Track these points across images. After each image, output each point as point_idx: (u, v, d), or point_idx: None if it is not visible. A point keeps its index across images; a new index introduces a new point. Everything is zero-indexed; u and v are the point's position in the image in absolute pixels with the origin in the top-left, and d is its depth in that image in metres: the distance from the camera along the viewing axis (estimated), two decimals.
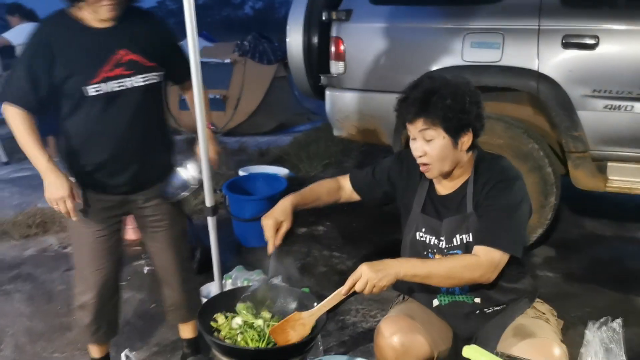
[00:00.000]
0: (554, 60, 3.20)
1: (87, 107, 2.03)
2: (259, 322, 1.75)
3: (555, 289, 3.19)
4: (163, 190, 2.23)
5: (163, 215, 2.28)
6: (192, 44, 2.02)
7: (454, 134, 1.74)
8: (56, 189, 2.04)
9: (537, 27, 3.23)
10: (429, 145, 1.76)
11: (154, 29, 2.11)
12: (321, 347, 2.59)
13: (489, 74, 3.32)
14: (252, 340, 1.69)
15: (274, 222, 1.83)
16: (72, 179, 2.12)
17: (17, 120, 2.01)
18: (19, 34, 6.14)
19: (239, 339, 1.70)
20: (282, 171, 4.23)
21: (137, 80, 2.06)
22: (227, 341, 1.70)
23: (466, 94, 1.74)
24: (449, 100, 1.70)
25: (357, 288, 1.63)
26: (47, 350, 2.78)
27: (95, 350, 2.42)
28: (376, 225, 3.93)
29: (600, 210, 4.21)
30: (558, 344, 1.65)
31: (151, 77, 2.09)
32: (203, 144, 2.12)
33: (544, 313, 1.84)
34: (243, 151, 6.30)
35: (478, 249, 1.72)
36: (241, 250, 3.77)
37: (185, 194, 2.26)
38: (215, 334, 1.73)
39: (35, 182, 5.34)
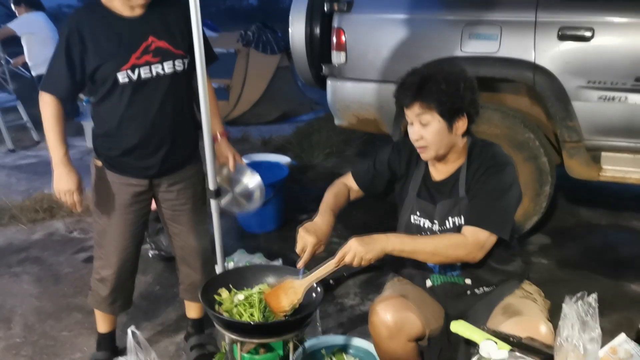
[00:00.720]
0: (550, 52, 3.26)
1: (118, 93, 2.11)
2: (255, 290, 1.85)
3: (548, 275, 3.28)
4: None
5: (187, 199, 2.36)
6: (197, 35, 2.09)
7: (449, 117, 1.82)
8: (65, 182, 2.16)
9: (534, 20, 3.29)
10: (425, 129, 1.84)
11: (182, 17, 2.15)
12: (320, 328, 2.69)
13: (486, 65, 3.39)
14: (245, 311, 1.78)
15: (316, 243, 1.86)
16: (99, 164, 2.23)
17: (49, 109, 2.13)
18: (23, 23, 6.22)
19: (234, 312, 1.79)
20: (284, 159, 4.30)
21: (165, 67, 2.14)
22: (225, 314, 1.79)
23: (460, 80, 1.82)
24: (443, 85, 1.79)
25: (347, 260, 1.74)
26: (55, 329, 2.89)
27: (103, 325, 2.52)
28: (376, 213, 4.01)
29: (596, 199, 4.29)
30: (544, 321, 1.74)
31: (178, 64, 2.17)
32: (207, 130, 2.20)
33: (531, 293, 1.93)
34: (246, 140, 6.38)
35: (466, 229, 1.80)
36: (243, 235, 3.87)
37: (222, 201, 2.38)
38: (217, 307, 1.83)
39: (41, 169, 5.50)
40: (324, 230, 1.90)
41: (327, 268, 1.80)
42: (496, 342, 1.46)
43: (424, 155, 1.91)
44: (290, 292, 1.83)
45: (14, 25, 6.23)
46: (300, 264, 1.86)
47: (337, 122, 4.06)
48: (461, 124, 1.85)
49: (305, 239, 1.85)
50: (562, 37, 3.23)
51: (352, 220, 3.60)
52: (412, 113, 1.85)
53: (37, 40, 6.16)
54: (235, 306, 1.83)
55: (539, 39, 3.28)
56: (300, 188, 4.59)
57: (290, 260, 2.14)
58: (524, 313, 1.78)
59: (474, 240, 1.78)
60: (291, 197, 4.22)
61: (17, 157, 6.20)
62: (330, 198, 2.04)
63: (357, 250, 1.73)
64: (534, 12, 3.29)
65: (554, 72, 3.26)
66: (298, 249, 1.87)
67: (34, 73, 6.37)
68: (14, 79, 7.86)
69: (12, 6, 6.39)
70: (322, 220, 1.93)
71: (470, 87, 1.85)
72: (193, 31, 2.10)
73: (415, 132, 1.87)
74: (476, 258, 1.81)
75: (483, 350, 1.36)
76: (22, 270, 3.52)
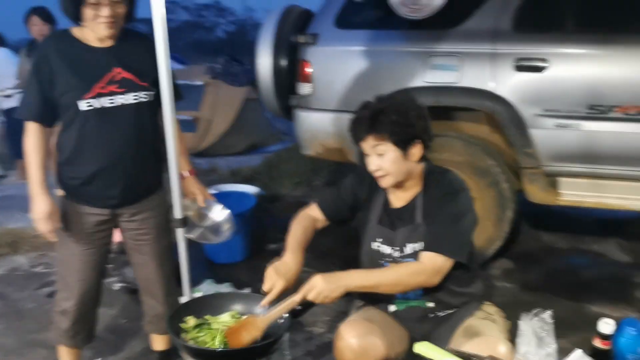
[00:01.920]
0: (507, 82, 3.40)
1: (81, 121, 2.13)
2: (224, 317, 1.85)
3: (512, 298, 3.35)
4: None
5: (149, 229, 2.36)
6: (164, 67, 2.13)
7: (403, 146, 1.88)
8: (41, 210, 2.15)
9: (491, 51, 3.43)
10: (381, 159, 1.90)
11: (148, 51, 2.18)
12: (288, 357, 2.68)
13: (448, 95, 3.51)
14: (212, 339, 1.78)
15: (285, 285, 1.88)
16: (60, 193, 2.23)
17: (30, 137, 2.15)
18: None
19: (199, 340, 1.80)
20: (252, 189, 4.33)
21: (128, 98, 2.16)
22: (191, 342, 1.79)
23: (411, 109, 1.90)
24: (394, 116, 1.86)
25: (310, 297, 1.76)
26: None
27: (66, 358, 2.48)
28: (343, 241, 4.04)
29: (558, 224, 4.41)
30: (504, 341, 1.79)
31: (142, 96, 2.20)
32: (173, 160, 2.22)
33: (491, 314, 1.98)
34: (214, 171, 6.38)
35: (423, 255, 1.86)
36: (211, 265, 3.86)
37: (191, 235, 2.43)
38: (183, 335, 1.83)
39: (6, 203, 5.39)
40: (294, 271, 1.92)
41: (289, 305, 1.82)
42: None
43: (383, 183, 1.96)
44: (251, 328, 1.84)
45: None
46: (264, 302, 1.88)
47: (304, 151, 4.12)
48: (416, 151, 1.92)
49: (274, 281, 1.87)
50: (519, 68, 3.37)
51: (318, 247, 3.62)
52: (368, 145, 1.91)
53: None
54: (200, 333, 1.83)
55: (496, 70, 3.41)
56: (269, 218, 4.60)
57: (259, 290, 2.16)
58: (484, 333, 1.83)
59: (431, 266, 1.83)
60: (260, 227, 4.23)
61: None
62: (299, 233, 2.05)
63: (322, 288, 1.76)
64: (491, 44, 3.43)
65: (511, 101, 3.38)
66: (265, 288, 1.88)
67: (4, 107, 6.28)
68: None
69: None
70: (292, 260, 1.95)
71: (421, 115, 1.93)
72: (160, 67, 2.14)
73: (372, 163, 1.93)
74: (434, 282, 1.86)
75: None
76: None
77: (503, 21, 3.45)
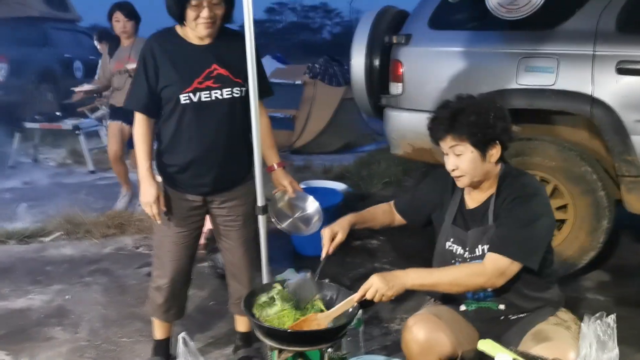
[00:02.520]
0: (608, 85, 3.24)
1: (179, 113, 2.32)
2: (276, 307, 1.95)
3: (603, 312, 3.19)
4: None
5: (237, 216, 2.52)
6: (251, 63, 2.26)
7: (482, 147, 1.89)
8: (148, 194, 2.37)
9: (592, 53, 3.29)
10: (459, 159, 1.92)
11: (243, 49, 2.31)
12: (363, 349, 2.75)
13: (542, 98, 3.40)
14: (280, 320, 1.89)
15: (330, 232, 2.04)
16: (160, 179, 2.44)
17: (138, 126, 2.38)
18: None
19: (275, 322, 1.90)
20: (340, 186, 4.42)
21: (223, 93, 2.33)
22: (266, 322, 1.90)
23: (490, 110, 1.89)
24: (473, 117, 1.86)
25: (368, 296, 1.81)
26: (117, 334, 3.09)
27: (159, 332, 2.69)
28: (428, 242, 4.05)
29: None
30: (574, 348, 1.74)
31: (235, 91, 2.35)
32: (257, 150, 2.36)
33: (565, 321, 1.93)
34: (308, 168, 6.56)
35: (488, 256, 1.85)
36: (297, 258, 3.99)
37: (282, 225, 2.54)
38: (258, 315, 1.94)
39: (117, 189, 5.86)
40: (341, 223, 2.08)
41: (349, 303, 1.88)
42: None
43: (460, 183, 1.97)
44: (313, 324, 1.91)
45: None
46: (323, 255, 2.05)
47: (393, 150, 4.15)
48: (495, 152, 1.91)
49: (323, 233, 2.04)
50: (621, 71, 3.21)
51: (403, 248, 3.65)
52: (446, 145, 1.93)
53: None
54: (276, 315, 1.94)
55: (597, 72, 3.27)
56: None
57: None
58: (555, 339, 1.80)
59: (493, 268, 1.82)
60: None
61: (95, 178, 6.65)
62: (370, 208, 2.22)
63: (379, 287, 1.80)
64: (592, 45, 3.29)
65: (612, 105, 3.23)
66: (325, 240, 2.05)
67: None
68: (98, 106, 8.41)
69: (96, 42, 6.85)
70: (345, 217, 2.11)
71: (501, 116, 1.92)
72: (248, 65, 2.28)
73: (450, 163, 1.95)
74: (496, 285, 1.85)
75: None
76: (92, 281, 3.79)
77: (606, 22, 3.29)
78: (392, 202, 2.26)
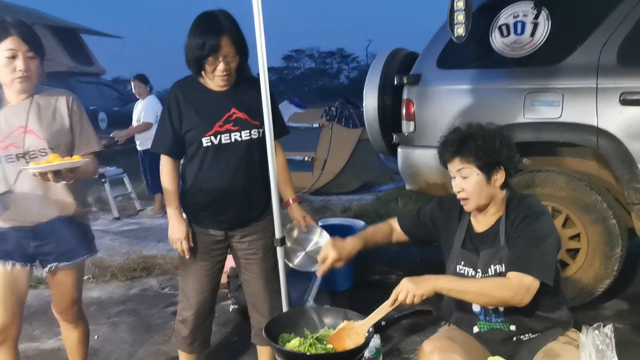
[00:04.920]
0: (612, 116, 3.35)
1: (201, 155, 2.48)
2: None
3: (621, 339, 3.19)
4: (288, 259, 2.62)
5: (257, 249, 2.64)
6: (266, 105, 2.43)
7: (487, 170, 2.01)
8: (177, 231, 2.53)
9: (595, 86, 3.41)
10: (465, 182, 2.04)
11: (259, 93, 2.46)
12: None
13: (549, 130, 3.52)
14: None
15: (337, 257, 2.14)
16: (184, 216, 2.58)
17: (165, 168, 2.55)
18: (154, 110, 6.90)
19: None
20: (359, 223, 4.53)
21: (242, 135, 2.49)
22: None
23: (497, 137, 2.03)
24: (480, 141, 1.99)
25: (400, 298, 1.88)
26: None
27: None
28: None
29: None
30: None
31: (253, 133, 2.51)
32: (274, 184, 2.50)
33: (575, 340, 1.99)
34: (327, 208, 6.68)
35: (510, 274, 1.93)
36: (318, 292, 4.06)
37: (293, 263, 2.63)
38: (280, 343, 2.03)
39: (141, 234, 6.05)
40: (348, 249, 2.17)
41: (383, 309, 1.97)
42: None
43: (466, 207, 2.09)
44: (352, 333, 2.00)
45: (150, 118, 6.86)
46: (319, 273, 2.14)
47: (408, 186, 4.27)
48: (499, 177, 2.03)
49: (328, 251, 2.12)
50: (624, 102, 3.32)
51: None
52: (453, 168, 2.06)
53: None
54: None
55: (601, 104, 3.38)
56: (374, 251, 4.75)
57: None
58: (564, 357, 1.86)
59: (518, 283, 1.89)
60: (363, 259, 4.40)
61: (121, 224, 6.84)
62: (370, 228, 2.34)
63: (409, 288, 1.88)
64: (595, 79, 3.42)
65: (617, 135, 3.33)
66: (320, 258, 2.15)
67: (140, 148, 7.07)
68: (121, 154, 8.71)
69: (134, 82, 7.17)
70: (351, 241, 2.19)
71: (507, 143, 2.05)
72: (263, 107, 2.44)
73: (457, 185, 2.07)
74: (523, 301, 1.89)
75: None
76: (120, 321, 3.91)
77: (607, 56, 3.42)
78: (392, 220, 2.37)
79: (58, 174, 2.23)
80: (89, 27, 14.26)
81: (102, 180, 7.12)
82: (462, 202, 2.09)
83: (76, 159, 2.28)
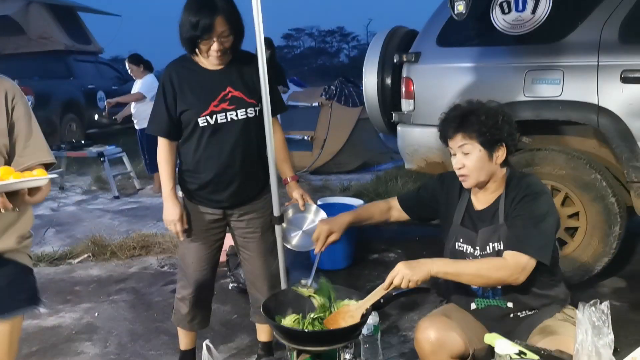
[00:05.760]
0: (613, 94, 3.33)
1: (197, 135, 2.47)
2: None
3: (618, 316, 3.20)
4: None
5: (255, 228, 2.64)
6: (263, 81, 2.41)
7: (489, 147, 2.00)
8: (171, 213, 2.53)
9: (596, 63, 3.38)
10: (466, 158, 2.02)
11: (255, 70, 2.45)
12: (381, 356, 2.82)
13: (549, 108, 3.50)
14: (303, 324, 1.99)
15: (328, 230, 2.17)
16: (181, 194, 2.58)
17: (161, 150, 2.53)
18: (149, 86, 6.86)
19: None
20: (356, 202, 4.52)
21: (238, 114, 2.46)
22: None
23: (499, 114, 2.02)
24: (483, 117, 1.98)
25: (395, 282, 1.88)
26: (145, 348, 3.22)
27: (184, 342, 2.81)
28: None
29: None
30: None
31: (249, 112, 2.48)
32: (272, 162, 2.49)
33: (572, 317, 2.00)
34: (327, 188, 6.68)
35: (506, 253, 1.93)
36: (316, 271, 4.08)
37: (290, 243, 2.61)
38: (278, 319, 2.04)
39: (140, 213, 6.06)
40: (340, 222, 2.21)
41: (378, 292, 1.96)
42: (525, 353, 1.59)
43: (465, 184, 2.08)
44: (347, 316, 2.01)
45: (144, 90, 6.90)
46: (316, 250, 2.18)
47: (407, 165, 4.26)
48: (500, 154, 2.02)
49: (321, 228, 2.16)
50: (625, 80, 3.29)
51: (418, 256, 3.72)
52: (455, 144, 2.04)
53: (146, 100, 6.84)
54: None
55: (602, 82, 3.36)
56: (372, 230, 4.77)
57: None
58: (561, 333, 1.87)
59: (514, 263, 1.90)
60: (362, 238, 4.41)
61: (120, 203, 6.84)
62: (366, 205, 2.39)
63: (405, 273, 1.88)
64: (596, 57, 3.39)
65: (618, 113, 3.31)
66: (314, 236, 2.18)
67: (137, 127, 7.04)
68: (120, 133, 8.69)
69: (127, 64, 7.13)
70: (344, 216, 2.23)
71: (508, 120, 2.04)
72: (261, 82, 2.42)
73: (458, 162, 2.06)
74: (518, 280, 1.91)
75: (498, 348, 1.49)
76: (120, 298, 3.93)
77: (609, 33, 3.39)
78: (391, 199, 2.36)
79: (13, 197, 1.56)
80: (86, 5, 14.10)
81: (102, 159, 7.11)
82: (461, 179, 2.08)
83: (40, 174, 1.64)
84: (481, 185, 2.08)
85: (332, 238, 2.18)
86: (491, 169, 2.04)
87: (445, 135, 2.10)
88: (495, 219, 2.06)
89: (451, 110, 2.11)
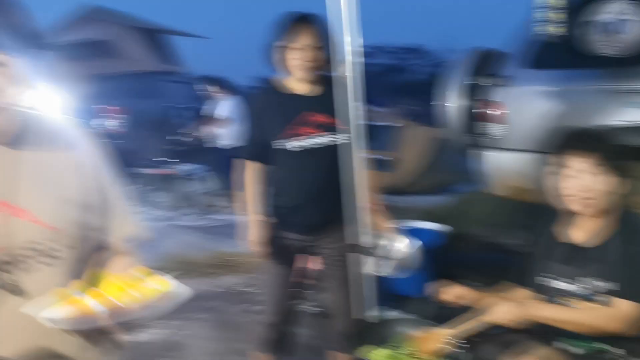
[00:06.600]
0: None
1: (283, 159, 2.50)
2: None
3: None
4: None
5: (339, 255, 2.63)
6: (353, 108, 2.40)
7: (618, 175, 1.89)
8: (255, 235, 2.56)
9: None
10: (592, 181, 1.88)
11: (341, 95, 2.45)
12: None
13: None
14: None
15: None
16: (266, 220, 2.60)
17: (249, 172, 2.58)
18: (234, 110, 7.09)
19: None
20: (436, 226, 4.42)
21: (323, 139, 2.48)
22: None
23: (620, 141, 1.92)
24: (616, 145, 1.92)
25: (496, 319, 1.83)
26: None
27: None
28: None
29: None
30: None
31: (335, 137, 2.49)
32: (358, 189, 2.47)
33: None
34: (406, 209, 6.51)
35: (619, 301, 1.81)
36: (394, 297, 4.00)
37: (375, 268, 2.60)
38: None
39: (226, 231, 6.17)
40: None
41: (476, 323, 1.91)
42: None
43: (581, 209, 1.93)
44: (439, 341, 1.96)
45: (227, 113, 7.08)
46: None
47: (493, 190, 4.15)
48: (625, 185, 1.90)
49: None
50: None
51: None
52: (583, 163, 1.89)
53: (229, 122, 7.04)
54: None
55: None
56: (454, 255, 4.63)
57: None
58: None
59: (619, 311, 1.79)
60: (444, 264, 4.28)
61: (203, 220, 7.03)
62: None
63: (507, 312, 1.84)
64: None
65: None
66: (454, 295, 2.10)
67: (219, 146, 7.23)
68: (202, 151, 8.96)
69: (208, 86, 7.36)
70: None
71: (629, 148, 1.93)
72: (349, 110, 2.42)
73: (577, 185, 1.90)
74: (621, 330, 1.80)
75: None
76: (201, 317, 4.02)
77: None
78: None
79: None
80: (174, 29, 14.78)
81: (188, 176, 7.34)
82: (575, 204, 1.92)
83: (162, 284, 1.23)
84: (595, 215, 1.94)
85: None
86: (613, 199, 1.92)
87: (575, 151, 1.92)
88: (603, 256, 1.91)
89: (576, 131, 2.08)
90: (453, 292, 2.10)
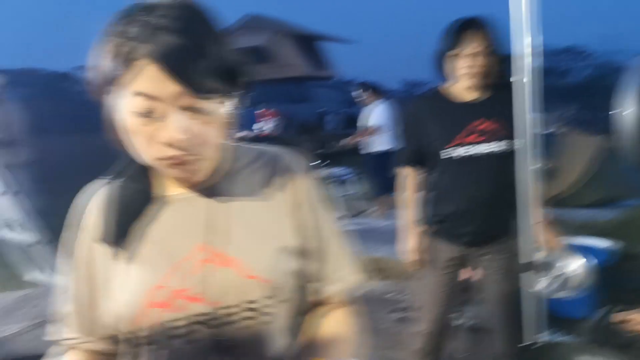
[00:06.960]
0: None
1: (442, 167, 2.43)
2: None
3: None
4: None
5: (497, 270, 2.50)
6: (525, 115, 2.25)
7: None
8: (413, 243, 2.54)
9: None
10: None
11: (511, 101, 2.30)
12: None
13: None
14: None
15: None
16: (426, 227, 2.55)
17: (409, 179, 2.59)
18: (380, 114, 7.12)
19: None
20: (604, 244, 4.05)
21: (487, 147, 2.36)
22: None
23: None
24: None
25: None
26: None
27: None
28: None
29: None
30: None
31: (500, 145, 2.36)
32: (526, 205, 2.31)
33: None
34: (565, 223, 6.09)
35: None
36: (554, 318, 3.73)
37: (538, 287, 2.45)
38: None
39: (367, 235, 6.20)
40: None
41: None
42: None
43: None
44: None
45: (377, 120, 7.03)
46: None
47: None
48: None
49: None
50: None
51: None
52: None
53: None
54: None
55: None
56: (622, 277, 4.22)
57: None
58: None
59: None
60: (611, 285, 3.91)
61: (347, 224, 7.10)
62: None
63: None
64: None
65: None
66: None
67: (366, 150, 7.26)
68: (347, 154, 9.11)
69: (357, 90, 7.43)
70: None
71: None
72: (525, 119, 2.28)
73: None
74: None
75: None
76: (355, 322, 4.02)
77: None
78: None
79: None
80: (326, 34, 15.20)
81: (331, 180, 7.48)
82: None
83: None
84: None
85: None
86: None
87: None
88: None
89: None
90: (634, 318, 1.87)
